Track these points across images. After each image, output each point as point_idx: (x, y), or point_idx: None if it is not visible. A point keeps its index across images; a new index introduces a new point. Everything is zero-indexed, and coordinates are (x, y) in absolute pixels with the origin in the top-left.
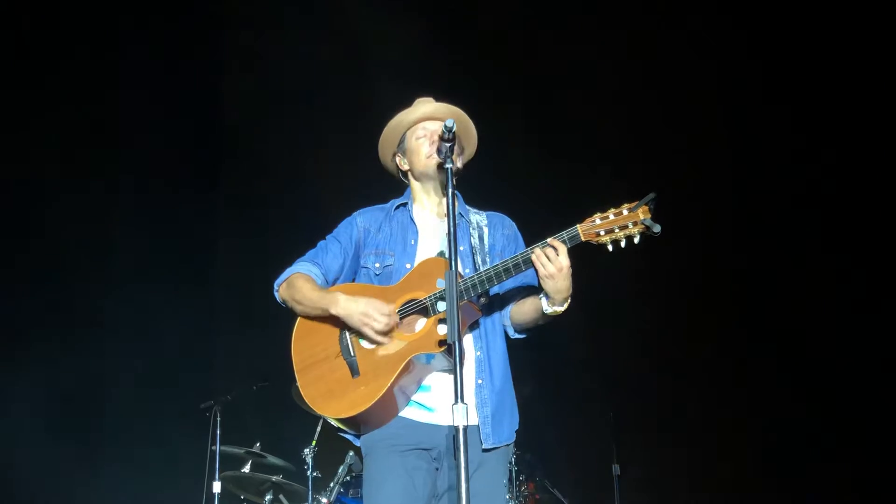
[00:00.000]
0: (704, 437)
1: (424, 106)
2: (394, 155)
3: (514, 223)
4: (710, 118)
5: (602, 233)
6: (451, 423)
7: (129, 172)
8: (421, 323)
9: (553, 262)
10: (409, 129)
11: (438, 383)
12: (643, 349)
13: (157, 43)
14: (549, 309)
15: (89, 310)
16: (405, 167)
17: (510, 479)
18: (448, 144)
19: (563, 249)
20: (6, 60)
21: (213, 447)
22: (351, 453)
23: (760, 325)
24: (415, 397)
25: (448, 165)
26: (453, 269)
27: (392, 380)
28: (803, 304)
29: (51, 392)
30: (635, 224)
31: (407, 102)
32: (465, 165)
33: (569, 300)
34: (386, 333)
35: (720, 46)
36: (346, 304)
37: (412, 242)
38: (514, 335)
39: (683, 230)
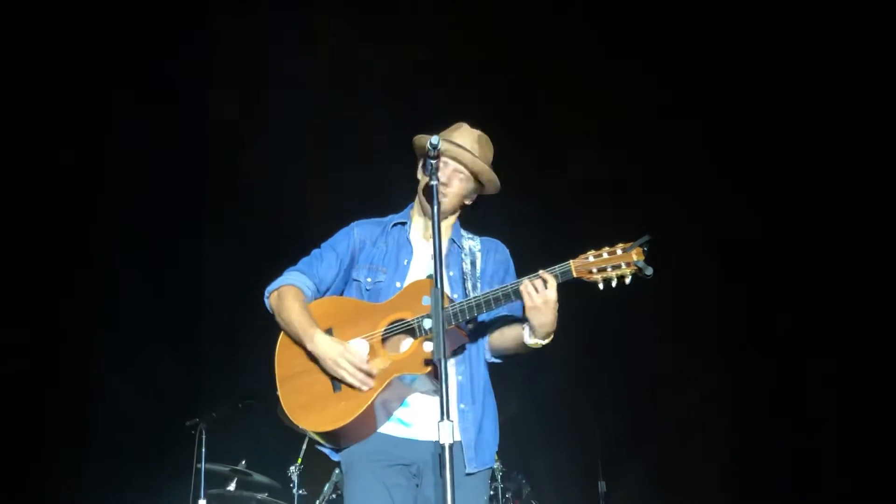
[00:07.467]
0: (691, 454)
1: (457, 139)
2: (417, 159)
3: (507, 249)
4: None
5: (594, 270)
6: (429, 439)
7: (114, 193)
8: (407, 343)
9: (540, 294)
10: None
11: (416, 399)
12: (631, 366)
13: (140, 60)
14: (530, 341)
15: (76, 326)
16: (418, 177)
17: (496, 497)
18: (433, 161)
19: (552, 283)
20: None
21: (199, 465)
22: (337, 471)
23: (752, 342)
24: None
25: (433, 182)
26: (439, 286)
27: (373, 398)
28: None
29: (36, 407)
30: (628, 265)
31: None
32: (475, 202)
33: (551, 336)
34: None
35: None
36: (322, 346)
37: (405, 262)
38: (490, 359)
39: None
